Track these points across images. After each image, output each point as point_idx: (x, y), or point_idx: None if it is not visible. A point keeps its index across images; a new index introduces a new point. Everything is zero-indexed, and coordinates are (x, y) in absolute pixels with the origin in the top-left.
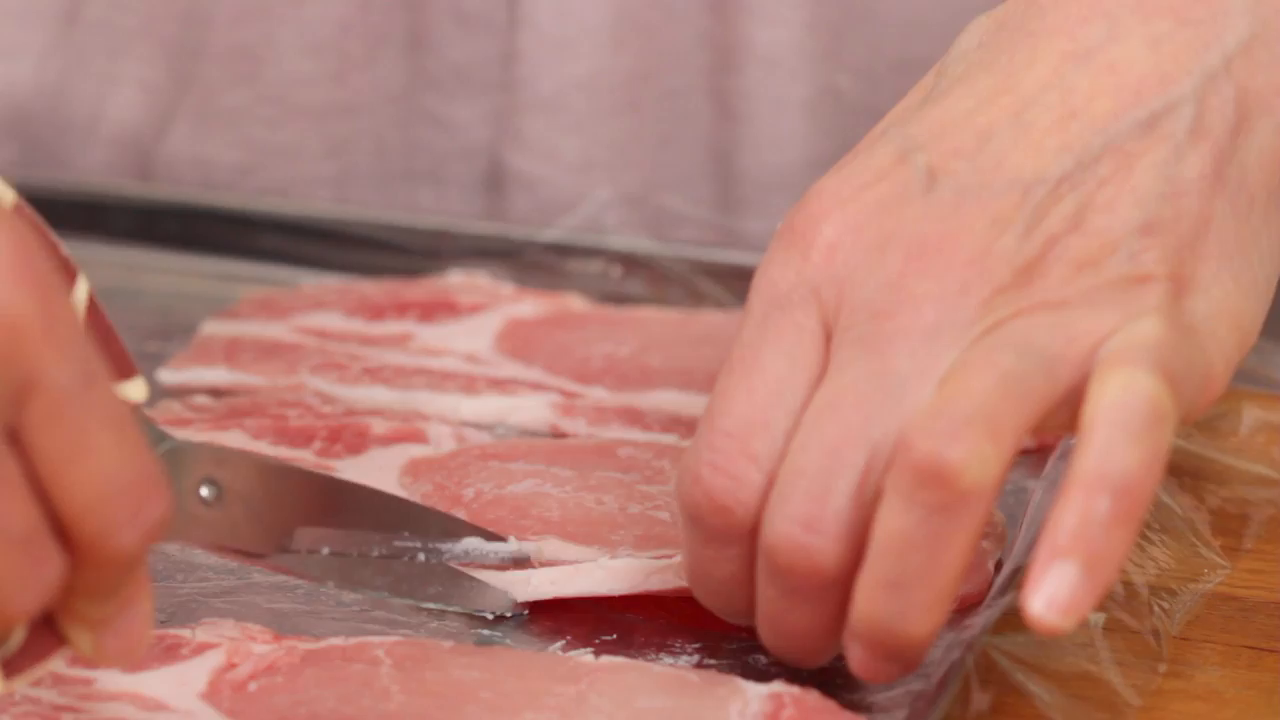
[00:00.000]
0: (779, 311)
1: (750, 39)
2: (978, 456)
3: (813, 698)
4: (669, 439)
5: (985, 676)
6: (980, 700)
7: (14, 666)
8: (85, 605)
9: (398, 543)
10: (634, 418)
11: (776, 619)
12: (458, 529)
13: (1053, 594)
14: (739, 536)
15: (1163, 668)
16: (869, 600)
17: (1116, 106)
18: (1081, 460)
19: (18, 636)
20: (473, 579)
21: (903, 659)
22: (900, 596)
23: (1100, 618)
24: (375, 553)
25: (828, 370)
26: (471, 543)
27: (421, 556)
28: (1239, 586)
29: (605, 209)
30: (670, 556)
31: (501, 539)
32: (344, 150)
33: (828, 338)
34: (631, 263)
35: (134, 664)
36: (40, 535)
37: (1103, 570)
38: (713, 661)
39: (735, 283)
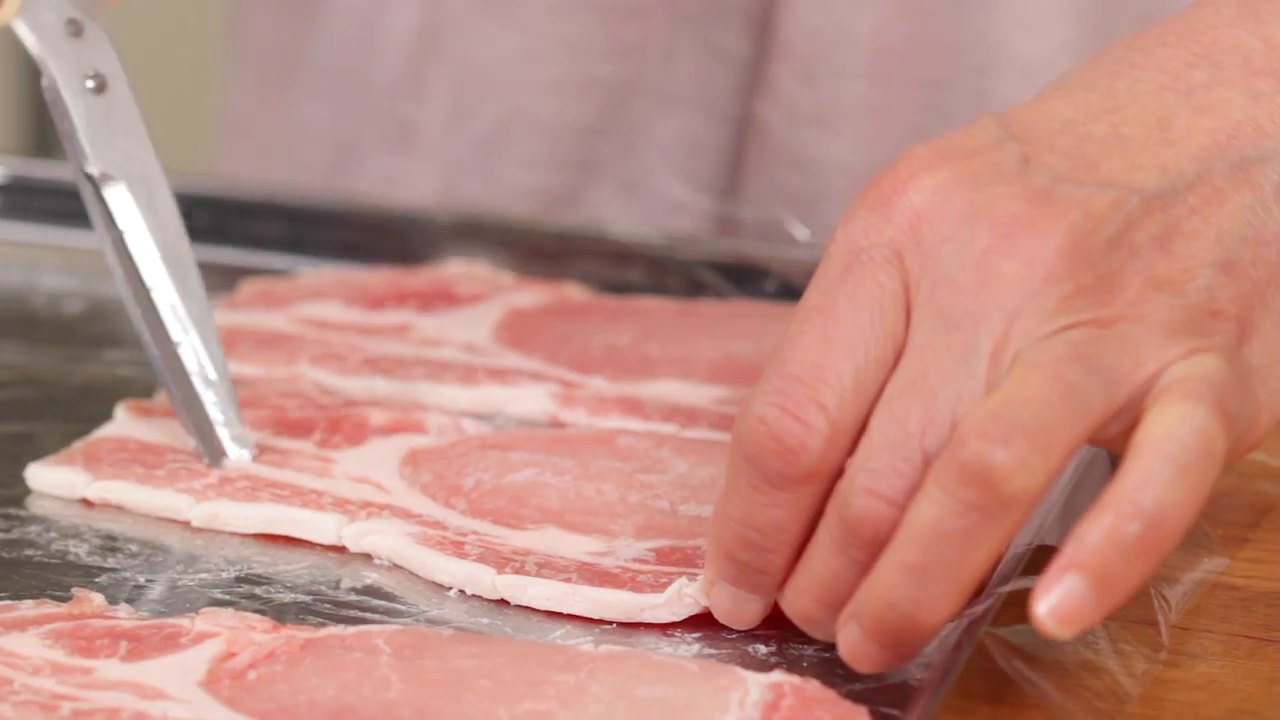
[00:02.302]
0: (859, 267)
1: (1014, 45)
2: (1024, 466)
3: (813, 687)
4: (668, 428)
5: (985, 666)
6: (979, 690)
7: None
8: None
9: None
10: (633, 407)
11: (834, 585)
12: None
13: (1058, 603)
14: (796, 481)
15: (1162, 657)
16: (887, 580)
17: (1212, 144)
18: (1122, 482)
19: None
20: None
21: (900, 647)
22: (920, 584)
23: None
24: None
25: (909, 341)
26: None
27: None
28: (1239, 576)
29: (604, 198)
30: (664, 588)
31: None
32: (626, 56)
33: (908, 302)
34: (631, 252)
35: None
36: None
37: (1113, 593)
38: (713, 651)
39: (735, 272)
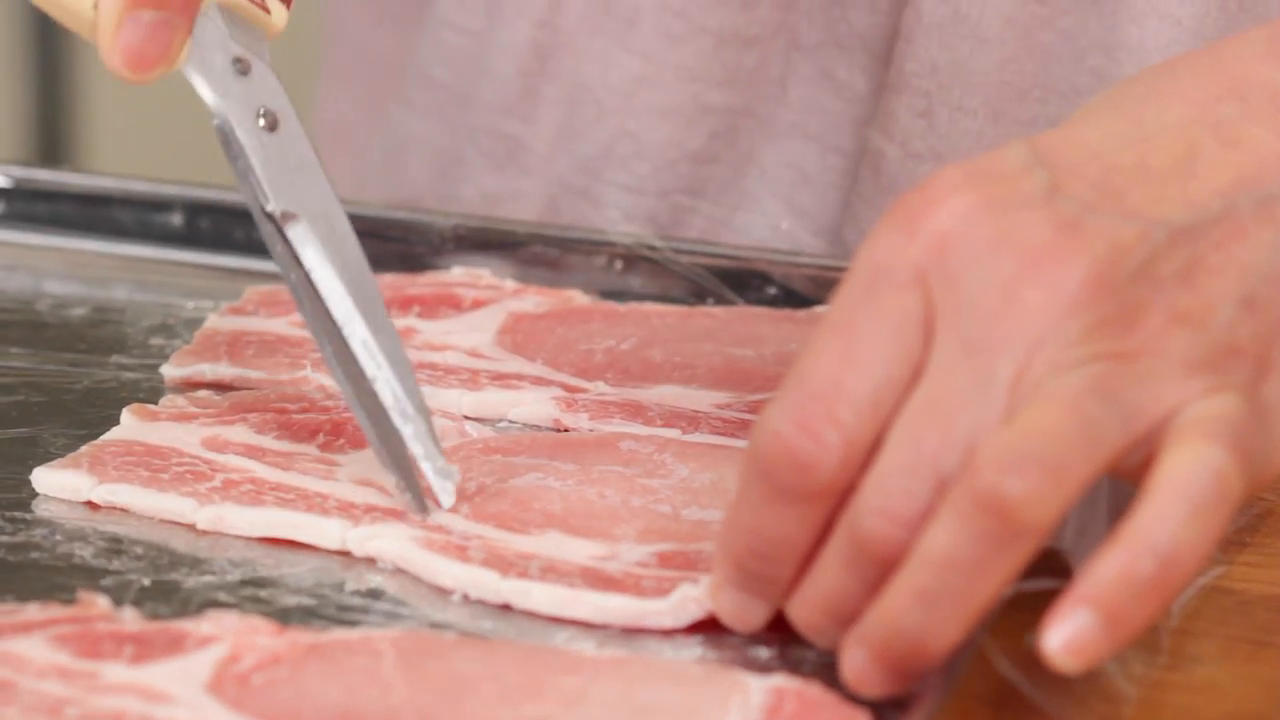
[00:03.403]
0: (883, 286)
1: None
2: (1038, 496)
3: (814, 691)
4: (671, 433)
5: (984, 670)
6: (979, 694)
7: None
8: None
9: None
10: (636, 412)
11: (841, 600)
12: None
13: (1068, 636)
14: (808, 498)
15: (1161, 660)
16: (897, 604)
17: (1238, 179)
18: (1137, 519)
19: None
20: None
21: (905, 673)
22: (928, 609)
23: None
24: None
25: (929, 365)
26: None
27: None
28: (1237, 580)
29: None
30: (666, 594)
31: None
32: (740, 84)
33: (929, 324)
34: (633, 258)
35: (138, 74)
36: None
37: (1124, 629)
38: (714, 654)
39: (737, 278)
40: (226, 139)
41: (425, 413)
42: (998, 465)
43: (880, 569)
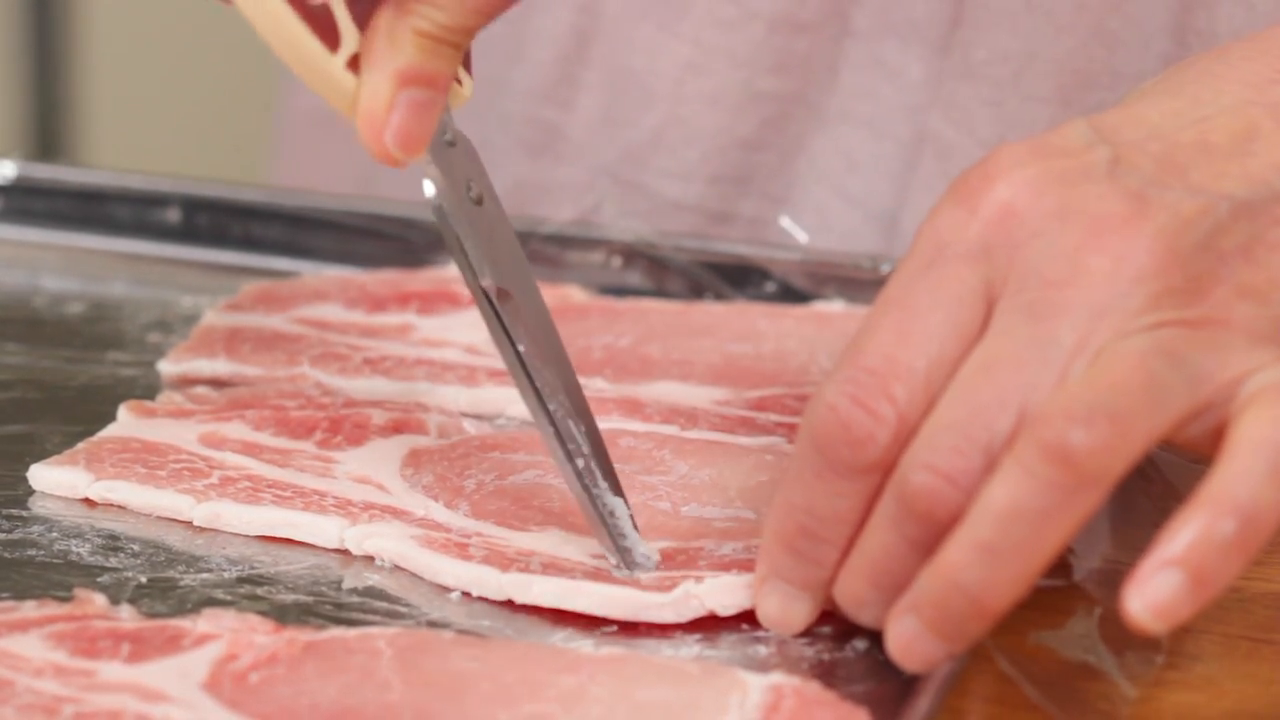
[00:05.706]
0: (942, 262)
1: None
2: (1104, 448)
3: (813, 689)
4: (669, 429)
5: (983, 666)
6: (979, 691)
7: None
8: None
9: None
10: (634, 408)
11: (886, 566)
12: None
13: (1154, 598)
14: (860, 472)
15: (1160, 658)
16: (957, 560)
17: None
18: (1217, 480)
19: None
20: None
21: (957, 637)
22: (991, 564)
23: (1097, 610)
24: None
25: (989, 330)
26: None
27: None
28: (1237, 577)
29: (605, 200)
30: (670, 589)
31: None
32: (791, 70)
33: (989, 298)
34: (631, 254)
35: (406, 156)
36: None
37: (1208, 588)
38: (713, 653)
39: (735, 274)
40: (442, 214)
41: (622, 494)
42: (1065, 416)
43: (926, 529)
